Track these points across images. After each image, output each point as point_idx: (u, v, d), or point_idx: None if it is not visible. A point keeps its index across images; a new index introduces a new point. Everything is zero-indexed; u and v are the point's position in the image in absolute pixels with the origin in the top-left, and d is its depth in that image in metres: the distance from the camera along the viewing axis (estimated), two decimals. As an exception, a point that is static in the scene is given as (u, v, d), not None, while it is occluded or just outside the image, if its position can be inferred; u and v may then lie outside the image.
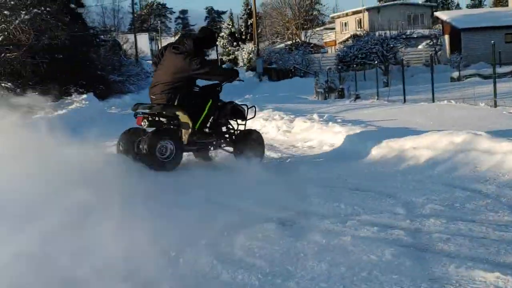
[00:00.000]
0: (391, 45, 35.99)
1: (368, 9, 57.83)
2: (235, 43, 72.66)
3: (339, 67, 36.81)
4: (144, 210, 4.93)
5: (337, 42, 59.33)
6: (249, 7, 68.27)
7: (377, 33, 38.84)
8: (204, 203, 5.69)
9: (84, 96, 26.02)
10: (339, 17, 63.61)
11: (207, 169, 8.06)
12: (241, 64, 63.89)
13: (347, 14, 61.45)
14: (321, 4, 76.65)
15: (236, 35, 74.54)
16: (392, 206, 5.32)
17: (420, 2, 66.47)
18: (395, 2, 60.19)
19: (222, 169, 7.84)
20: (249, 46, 59.05)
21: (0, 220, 4.31)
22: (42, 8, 21.93)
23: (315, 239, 4.39)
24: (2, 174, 5.22)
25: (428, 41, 47.62)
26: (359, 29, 52.19)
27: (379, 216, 4.99)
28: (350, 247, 4.13)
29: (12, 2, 22.28)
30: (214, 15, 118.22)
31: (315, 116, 12.70)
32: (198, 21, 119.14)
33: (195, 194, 6.07)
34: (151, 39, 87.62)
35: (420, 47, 48.21)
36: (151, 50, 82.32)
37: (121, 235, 4.20)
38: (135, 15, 69.36)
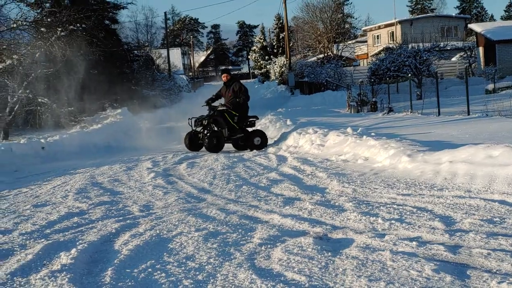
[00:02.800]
0: (424, 58, 35.65)
1: (400, 22, 57.50)
2: (266, 57, 72.82)
3: (372, 80, 36.59)
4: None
5: (369, 55, 59.09)
6: (281, 21, 68.39)
7: (410, 46, 38.54)
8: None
9: (119, 110, 26.31)
10: (371, 30, 63.35)
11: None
12: (273, 77, 64.02)
13: (379, 27, 61.18)
14: (353, 17, 76.73)
15: (268, 49, 74.70)
16: (430, 220, 5.25)
17: (453, 14, 65.92)
18: (428, 14, 59.87)
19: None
20: (281, 59, 59.12)
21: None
22: (78, 25, 22.35)
23: (352, 254, 4.36)
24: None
25: (462, 53, 47.13)
26: (392, 41, 51.88)
27: (417, 231, 4.93)
28: (389, 262, 4.09)
29: (49, 19, 22.71)
30: (245, 29, 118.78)
31: (348, 129, 12.65)
32: (230, 36, 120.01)
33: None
34: (183, 54, 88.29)
35: (453, 59, 47.74)
36: (183, 64, 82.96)
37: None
38: (168, 30, 69.95)
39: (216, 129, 13.99)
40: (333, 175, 8.43)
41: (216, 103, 14.49)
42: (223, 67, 15.42)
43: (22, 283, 4.06)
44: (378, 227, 5.14)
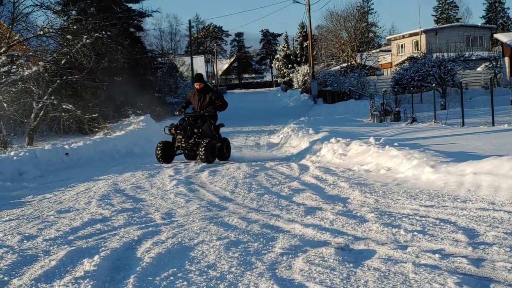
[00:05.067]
0: (449, 68, 35.45)
1: (425, 31, 57.27)
2: (290, 65, 72.85)
3: (395, 89, 36.42)
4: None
5: (393, 64, 58.87)
6: (305, 29, 68.40)
7: (434, 55, 38.37)
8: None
9: (142, 117, 26.46)
10: (395, 39, 63.14)
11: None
12: (295, 86, 64.01)
13: (403, 36, 60.98)
14: (377, 26, 76.47)
15: (291, 57, 74.72)
16: (453, 232, 5.21)
17: (479, 24, 65.43)
18: (453, 24, 59.48)
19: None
20: (304, 68, 59.12)
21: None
22: (103, 32, 22.51)
23: (374, 265, 4.34)
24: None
25: (487, 63, 46.75)
26: (416, 51, 51.63)
27: (440, 243, 4.90)
28: (411, 275, 4.06)
29: (75, 27, 22.94)
30: (269, 38, 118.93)
31: (371, 139, 12.60)
32: (253, 44, 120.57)
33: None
34: (207, 61, 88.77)
35: (479, 69, 47.36)
36: (207, 72, 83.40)
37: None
38: (192, 38, 70.37)
39: (202, 137, 13.30)
40: (355, 185, 8.40)
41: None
42: (198, 73, 14.85)
43: (46, 289, 4.11)
44: (401, 239, 5.11)
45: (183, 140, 13.44)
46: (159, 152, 13.33)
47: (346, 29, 59.40)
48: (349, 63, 54.39)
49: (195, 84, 13.95)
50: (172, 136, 13.69)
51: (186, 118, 13.71)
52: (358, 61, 56.48)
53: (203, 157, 12.88)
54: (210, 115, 13.61)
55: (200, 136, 13.33)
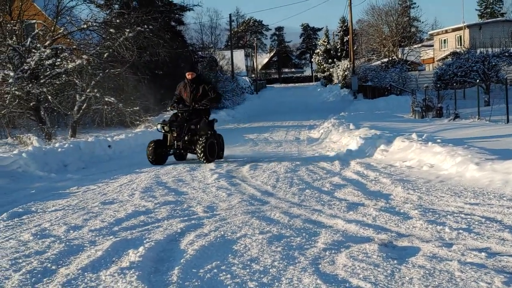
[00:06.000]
0: (493, 63, 34.77)
1: (469, 26, 56.32)
2: (330, 60, 72.48)
3: (438, 85, 35.92)
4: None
5: (436, 59, 58.05)
6: (346, 24, 67.96)
7: (478, 51, 37.68)
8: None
9: (182, 111, 26.62)
10: (438, 34, 62.25)
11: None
12: (335, 81, 63.68)
13: (446, 31, 60.07)
14: (420, 21, 75.42)
15: (332, 52, 74.31)
16: (500, 231, 5.12)
17: (524, 19, 64.02)
18: (498, 18, 58.34)
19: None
20: (345, 63, 58.75)
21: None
22: (145, 26, 22.72)
23: (419, 263, 4.29)
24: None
25: (533, 59, 45.73)
26: (459, 46, 50.82)
27: (486, 241, 4.82)
28: (457, 273, 4.01)
29: (117, 21, 23.24)
30: (309, 32, 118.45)
31: (413, 135, 12.46)
32: (293, 38, 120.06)
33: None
34: (247, 56, 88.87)
35: (524, 65, 46.37)
36: (246, 66, 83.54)
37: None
38: (232, 32, 70.53)
39: (198, 134, 12.19)
40: (397, 181, 8.33)
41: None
42: (190, 63, 13.67)
43: (93, 278, 4.17)
44: (445, 236, 5.05)
45: (177, 138, 12.23)
46: (151, 152, 12.11)
47: (387, 23, 58.81)
48: (390, 58, 53.84)
49: (187, 74, 12.62)
50: (163, 134, 12.52)
51: (179, 114, 12.46)
52: (400, 56, 55.86)
53: (202, 156, 11.87)
54: (204, 109, 12.49)
55: (195, 133, 12.22)
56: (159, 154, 12.18)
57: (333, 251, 4.70)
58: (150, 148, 12.12)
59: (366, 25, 64.03)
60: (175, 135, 12.20)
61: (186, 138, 12.17)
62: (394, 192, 7.43)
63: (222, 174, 9.97)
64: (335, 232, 5.36)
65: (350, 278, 4.02)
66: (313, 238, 5.17)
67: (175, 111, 12.55)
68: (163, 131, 12.40)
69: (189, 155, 13.02)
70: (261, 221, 5.92)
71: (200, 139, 11.99)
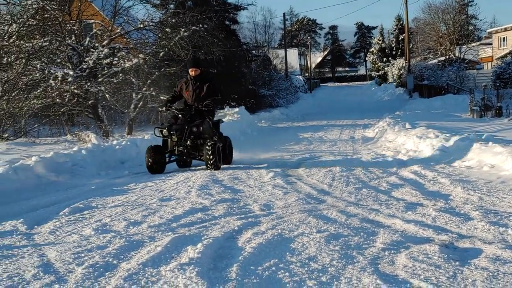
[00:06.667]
0: (556, 61, 33.73)
1: (529, 23, 54.71)
2: (385, 59, 71.64)
3: (497, 84, 35.06)
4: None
5: (494, 58, 56.63)
6: (401, 22, 67.06)
7: (539, 49, 36.59)
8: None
9: (236, 109, 26.78)
10: (497, 32, 60.70)
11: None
12: (390, 80, 62.92)
13: (506, 29, 58.51)
14: (478, 19, 73.79)
15: (386, 50, 73.43)
16: None
17: None
18: (560, 15, 56.44)
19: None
20: (400, 61, 57.97)
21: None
22: (200, 25, 22.90)
23: (482, 265, 4.20)
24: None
25: None
26: (519, 44, 49.45)
27: (552, 244, 4.68)
28: (522, 276, 3.91)
29: (173, 20, 23.50)
30: (364, 31, 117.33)
31: (472, 135, 12.19)
32: (347, 37, 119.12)
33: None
34: (300, 54, 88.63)
35: None
36: (300, 65, 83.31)
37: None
38: (286, 30, 70.47)
39: (202, 138, 11.08)
40: (456, 181, 8.17)
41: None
42: (193, 56, 13.61)
43: (153, 273, 4.23)
44: (509, 239, 4.92)
45: (178, 142, 11.03)
46: (150, 159, 10.78)
47: (444, 21, 57.69)
48: (447, 57, 52.78)
49: (190, 70, 11.33)
50: (162, 140, 11.29)
51: (179, 115, 11.10)
52: (457, 54, 54.71)
53: (211, 163, 10.66)
54: (208, 110, 11.20)
55: (198, 137, 11.07)
56: (158, 161, 10.84)
57: (392, 251, 4.64)
58: (148, 154, 10.80)
59: (422, 23, 62.99)
60: (176, 139, 10.96)
61: (188, 142, 10.98)
62: (454, 193, 7.29)
63: (277, 172, 9.96)
64: (394, 232, 5.30)
65: (410, 279, 3.96)
66: (371, 237, 5.12)
67: (175, 112, 11.17)
68: (161, 135, 11.10)
69: (194, 161, 11.85)
70: (318, 219, 5.90)
71: (207, 143, 10.73)
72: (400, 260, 4.39)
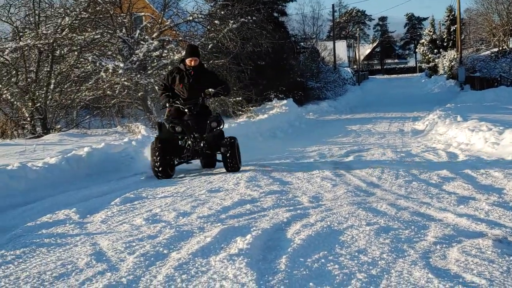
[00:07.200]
0: None
1: None
2: (435, 50, 70.41)
3: (552, 76, 34.09)
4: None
5: (550, 49, 55.04)
6: (453, 13, 65.75)
7: None
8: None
9: (284, 101, 26.74)
10: (552, 22, 58.95)
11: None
12: (441, 72, 61.86)
13: (562, 20, 56.76)
14: (533, 9, 71.70)
15: (437, 42, 72.13)
16: None
17: None
18: None
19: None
20: (451, 53, 56.88)
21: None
22: (249, 17, 22.90)
23: (538, 260, 4.10)
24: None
25: None
26: None
27: None
28: None
29: (222, 12, 23.58)
30: (414, 22, 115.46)
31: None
32: (397, 28, 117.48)
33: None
34: (349, 46, 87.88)
35: None
36: (348, 57, 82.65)
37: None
38: (334, 22, 69.95)
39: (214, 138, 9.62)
40: (510, 175, 7.96)
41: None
42: (191, 44, 12.37)
43: (203, 263, 4.27)
44: None
45: (200, 138, 9.42)
46: (158, 162, 9.06)
47: (498, 12, 56.28)
48: (500, 48, 51.55)
49: (188, 59, 9.56)
50: (164, 137, 9.47)
51: (186, 110, 9.45)
52: (511, 46, 53.38)
53: (232, 163, 9.41)
54: (207, 107, 9.96)
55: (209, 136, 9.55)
56: (167, 164, 9.23)
57: (444, 245, 4.56)
58: (157, 156, 9.04)
59: (474, 14, 61.62)
60: (196, 135, 9.38)
61: (203, 142, 9.44)
62: (508, 187, 7.11)
63: (326, 164, 9.91)
64: (446, 226, 5.21)
65: (463, 274, 3.89)
66: (422, 231, 5.05)
67: (180, 107, 9.53)
68: (173, 132, 9.39)
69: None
70: (367, 212, 5.84)
71: (226, 141, 9.49)
72: (452, 255, 4.32)
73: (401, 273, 3.95)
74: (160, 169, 9.06)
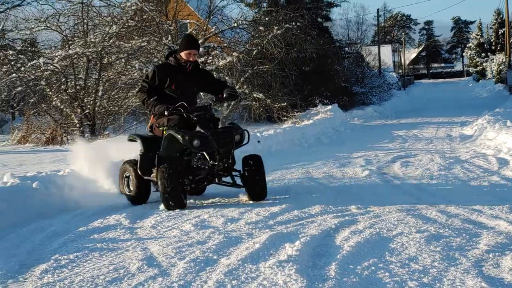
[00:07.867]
0: None
1: None
2: (483, 54, 69.19)
3: None
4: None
5: None
6: (501, 16, 64.56)
7: None
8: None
9: (329, 107, 26.63)
10: None
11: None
12: (489, 76, 60.77)
13: None
14: None
15: (485, 45, 70.87)
16: None
17: None
18: None
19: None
20: (500, 57, 55.79)
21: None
22: (293, 23, 22.93)
23: None
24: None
25: None
26: None
27: None
28: None
29: (266, 19, 23.68)
30: (461, 25, 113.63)
31: None
32: (443, 32, 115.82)
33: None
34: (394, 51, 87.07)
35: None
36: (393, 61, 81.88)
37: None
38: (379, 27, 69.41)
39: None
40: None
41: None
42: (190, 36, 9.49)
43: (253, 269, 4.28)
44: None
45: (225, 154, 7.12)
46: (169, 188, 6.78)
47: (547, 14, 55.02)
48: (551, 51, 50.38)
49: (187, 52, 7.44)
50: (168, 154, 7.15)
51: (191, 117, 7.19)
52: (561, 48, 52.09)
53: (260, 190, 7.39)
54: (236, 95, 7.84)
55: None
56: (180, 190, 6.91)
57: (497, 254, 4.49)
58: (167, 179, 6.76)
59: (523, 16, 60.40)
60: (221, 150, 7.06)
61: (228, 160, 7.22)
62: (562, 194, 6.95)
63: (373, 170, 9.83)
64: (498, 233, 5.12)
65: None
66: (474, 239, 4.97)
67: (191, 116, 7.20)
68: (190, 146, 6.96)
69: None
70: (417, 219, 5.78)
71: (248, 157, 7.61)
72: (506, 263, 4.24)
73: (454, 282, 3.90)
74: (172, 199, 6.85)
